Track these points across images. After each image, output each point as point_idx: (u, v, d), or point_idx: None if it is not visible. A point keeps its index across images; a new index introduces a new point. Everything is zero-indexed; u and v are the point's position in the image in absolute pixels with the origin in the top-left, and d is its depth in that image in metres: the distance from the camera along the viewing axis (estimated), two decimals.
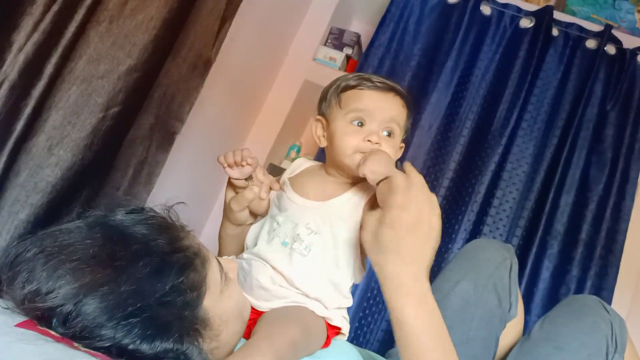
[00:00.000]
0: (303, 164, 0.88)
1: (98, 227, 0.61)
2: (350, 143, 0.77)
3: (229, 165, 0.81)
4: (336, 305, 0.77)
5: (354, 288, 1.47)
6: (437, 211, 0.67)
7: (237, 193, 0.83)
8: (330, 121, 0.82)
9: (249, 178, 0.82)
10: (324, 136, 0.84)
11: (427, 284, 0.65)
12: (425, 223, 0.65)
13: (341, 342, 0.80)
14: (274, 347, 0.64)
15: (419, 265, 0.65)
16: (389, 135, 0.80)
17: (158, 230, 0.63)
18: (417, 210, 0.64)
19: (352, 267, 0.78)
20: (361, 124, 0.79)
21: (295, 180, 0.84)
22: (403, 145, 0.86)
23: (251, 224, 0.86)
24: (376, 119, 0.78)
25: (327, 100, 0.83)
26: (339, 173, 0.81)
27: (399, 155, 0.84)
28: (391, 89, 0.81)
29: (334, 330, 0.79)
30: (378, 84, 0.81)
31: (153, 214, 0.66)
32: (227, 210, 0.85)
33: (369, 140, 0.77)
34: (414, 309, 0.63)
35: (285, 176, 0.86)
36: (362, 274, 0.81)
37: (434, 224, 0.66)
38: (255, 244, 0.80)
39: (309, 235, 0.76)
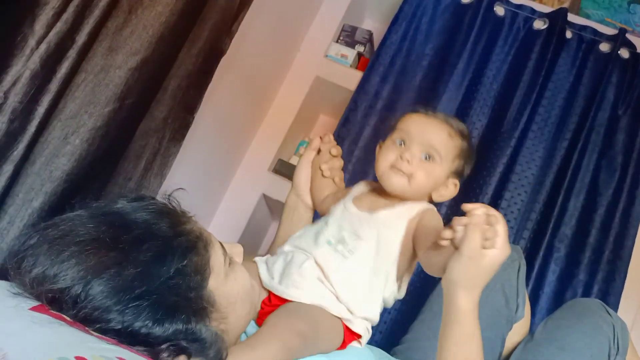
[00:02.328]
0: (365, 186, 0.92)
1: (100, 214, 0.62)
2: (387, 157, 0.82)
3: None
4: (363, 314, 0.79)
5: None
6: None
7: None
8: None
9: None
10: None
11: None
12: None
13: (357, 348, 0.81)
14: (279, 336, 0.66)
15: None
16: (427, 159, 0.81)
17: (159, 216, 0.64)
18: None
19: (388, 280, 0.80)
20: (403, 144, 0.82)
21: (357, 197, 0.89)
22: (456, 183, 0.86)
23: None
24: (415, 141, 0.81)
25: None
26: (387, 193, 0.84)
27: (450, 192, 0.86)
28: (439, 116, 0.84)
29: (353, 336, 0.80)
30: (429, 111, 0.84)
31: (153, 201, 0.67)
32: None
33: (402, 158, 0.80)
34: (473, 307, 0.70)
35: (352, 194, 0.90)
36: (394, 294, 0.83)
37: None
38: (302, 241, 0.84)
39: (354, 240, 0.79)
